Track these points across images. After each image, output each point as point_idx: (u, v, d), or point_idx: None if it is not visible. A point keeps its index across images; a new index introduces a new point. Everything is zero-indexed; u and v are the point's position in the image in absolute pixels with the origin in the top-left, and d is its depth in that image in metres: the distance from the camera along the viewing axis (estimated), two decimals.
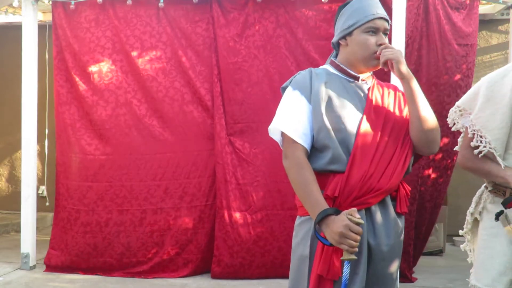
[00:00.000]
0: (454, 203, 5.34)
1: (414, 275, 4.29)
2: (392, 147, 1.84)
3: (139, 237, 4.36)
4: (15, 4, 4.46)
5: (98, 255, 4.38)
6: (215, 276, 4.28)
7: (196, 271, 4.38)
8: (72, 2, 4.42)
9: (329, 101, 1.83)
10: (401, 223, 1.87)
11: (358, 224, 1.65)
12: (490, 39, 5.80)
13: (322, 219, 1.70)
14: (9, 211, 6.49)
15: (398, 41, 3.98)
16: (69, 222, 4.45)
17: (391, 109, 1.91)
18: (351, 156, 1.78)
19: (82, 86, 4.47)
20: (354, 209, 1.69)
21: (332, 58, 2.00)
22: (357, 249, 1.66)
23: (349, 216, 1.65)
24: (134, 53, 4.42)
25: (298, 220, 1.91)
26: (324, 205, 1.72)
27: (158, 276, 4.34)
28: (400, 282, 4.04)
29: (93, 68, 4.46)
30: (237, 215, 4.26)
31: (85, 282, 4.21)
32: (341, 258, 1.68)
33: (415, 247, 4.36)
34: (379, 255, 1.79)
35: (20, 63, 4.54)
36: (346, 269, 1.70)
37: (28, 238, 4.50)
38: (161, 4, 4.35)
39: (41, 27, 4.87)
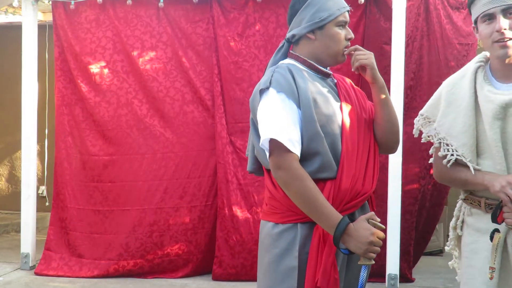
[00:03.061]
0: (454, 203, 5.30)
1: (414, 275, 4.28)
2: (366, 148, 1.79)
3: (139, 237, 4.35)
4: (15, 4, 4.46)
5: (98, 256, 4.36)
6: (216, 278, 4.26)
7: (196, 271, 4.38)
8: (72, 2, 4.42)
9: (315, 104, 1.71)
10: None
11: (381, 228, 1.63)
12: None
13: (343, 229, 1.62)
14: (9, 211, 6.48)
15: (398, 41, 3.99)
16: (71, 223, 4.44)
17: (358, 107, 1.83)
18: (341, 161, 1.71)
19: (84, 87, 4.47)
20: (373, 213, 1.67)
21: (296, 53, 1.84)
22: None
23: (374, 222, 1.63)
24: (135, 54, 4.42)
25: (275, 228, 1.75)
26: (338, 215, 1.64)
27: (158, 276, 4.33)
28: (399, 282, 4.04)
29: (94, 69, 4.46)
30: (238, 215, 4.26)
31: (85, 282, 4.21)
32: (359, 263, 1.65)
33: (416, 247, 4.36)
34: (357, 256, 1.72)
35: (20, 63, 4.54)
36: (364, 273, 1.67)
37: (28, 238, 4.49)
38: (161, 4, 4.35)
39: (41, 27, 4.86)
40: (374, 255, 1.62)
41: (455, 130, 1.86)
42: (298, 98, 1.69)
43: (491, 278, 1.78)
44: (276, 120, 1.68)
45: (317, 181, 1.69)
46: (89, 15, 4.47)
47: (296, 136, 1.68)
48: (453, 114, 1.88)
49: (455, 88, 1.91)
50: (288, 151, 1.66)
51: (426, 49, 4.27)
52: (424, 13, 4.24)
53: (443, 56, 4.30)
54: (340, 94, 1.81)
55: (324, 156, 1.69)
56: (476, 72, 1.88)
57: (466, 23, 4.38)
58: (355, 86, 1.93)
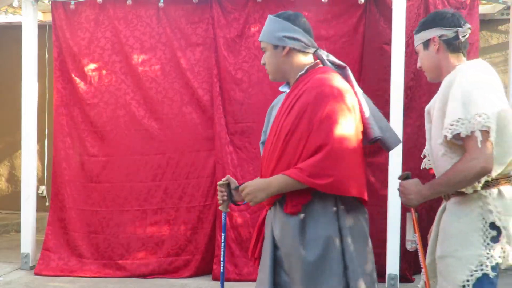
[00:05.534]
0: None
1: (414, 275, 4.28)
2: (273, 154, 2.01)
3: (139, 238, 4.36)
4: (15, 4, 4.45)
5: (98, 256, 4.37)
6: (216, 278, 4.26)
7: (197, 272, 4.37)
8: (72, 2, 4.41)
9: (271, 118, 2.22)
10: (292, 220, 2.00)
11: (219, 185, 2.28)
12: (490, 39, 5.79)
13: None
14: (9, 211, 6.48)
15: (398, 41, 3.98)
16: (70, 223, 4.44)
17: (285, 117, 1.98)
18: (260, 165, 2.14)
19: (82, 88, 4.47)
20: (227, 176, 2.28)
21: None
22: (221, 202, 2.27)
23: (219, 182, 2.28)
24: (134, 54, 4.42)
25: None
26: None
27: (158, 277, 4.33)
28: (400, 282, 4.04)
29: (92, 70, 4.46)
30: (237, 215, 4.26)
31: (85, 282, 4.21)
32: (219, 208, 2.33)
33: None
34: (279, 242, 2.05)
35: (20, 63, 4.53)
36: (224, 219, 2.39)
37: (28, 238, 4.49)
38: (161, 4, 4.34)
39: (41, 27, 4.87)
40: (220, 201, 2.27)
41: None
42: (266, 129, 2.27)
43: None
44: None
45: None
46: (88, 15, 4.46)
47: None
48: None
49: None
50: None
51: None
52: (424, 13, 4.23)
53: None
54: (281, 105, 2.07)
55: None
56: None
57: None
58: (313, 96, 1.92)
